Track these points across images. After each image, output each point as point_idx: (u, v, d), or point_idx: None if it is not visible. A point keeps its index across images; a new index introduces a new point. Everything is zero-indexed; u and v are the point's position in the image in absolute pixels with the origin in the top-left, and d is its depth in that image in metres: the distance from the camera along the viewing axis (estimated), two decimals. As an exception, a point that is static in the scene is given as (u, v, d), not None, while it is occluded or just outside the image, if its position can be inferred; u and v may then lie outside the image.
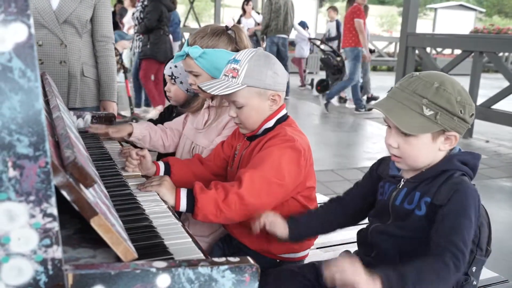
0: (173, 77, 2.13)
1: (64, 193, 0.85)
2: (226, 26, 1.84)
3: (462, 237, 1.19)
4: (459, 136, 1.31)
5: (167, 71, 2.15)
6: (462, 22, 15.62)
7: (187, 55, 1.81)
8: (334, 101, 8.78)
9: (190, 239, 1.23)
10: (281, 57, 8.48)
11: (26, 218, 0.76)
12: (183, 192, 1.49)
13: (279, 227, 1.48)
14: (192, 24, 17.31)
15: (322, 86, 9.34)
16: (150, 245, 1.12)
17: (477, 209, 1.26)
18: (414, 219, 1.31)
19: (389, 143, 1.34)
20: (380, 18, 33.83)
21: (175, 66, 2.12)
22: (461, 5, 16.74)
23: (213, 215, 1.44)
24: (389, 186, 1.41)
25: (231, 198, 1.43)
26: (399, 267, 1.18)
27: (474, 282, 1.39)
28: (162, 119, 2.37)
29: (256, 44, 8.91)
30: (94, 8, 2.56)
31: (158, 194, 1.52)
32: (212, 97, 1.90)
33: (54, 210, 0.77)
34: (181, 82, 2.12)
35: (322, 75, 10.57)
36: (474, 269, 1.37)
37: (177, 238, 1.23)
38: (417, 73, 1.32)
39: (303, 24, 10.11)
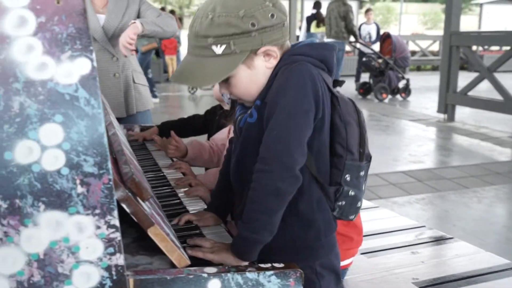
0: None
1: (124, 206, 0.94)
2: None
3: (276, 131, 1.05)
4: (282, 41, 1.12)
5: None
6: (510, 17, 15.11)
7: None
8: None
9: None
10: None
11: (93, 229, 0.86)
12: None
13: (210, 221, 1.35)
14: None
15: (365, 89, 9.30)
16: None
17: (314, 86, 1.08)
18: (249, 130, 1.15)
19: (222, 93, 1.19)
20: (424, 16, 33.10)
21: None
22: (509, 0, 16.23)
23: None
24: (240, 109, 1.25)
25: None
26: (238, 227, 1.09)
27: (352, 193, 1.19)
28: (205, 118, 2.44)
29: None
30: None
31: None
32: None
33: (116, 222, 0.87)
34: None
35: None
36: (348, 177, 1.18)
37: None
38: (198, 7, 1.13)
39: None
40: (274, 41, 1.10)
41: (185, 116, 2.52)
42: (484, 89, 7.78)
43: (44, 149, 0.81)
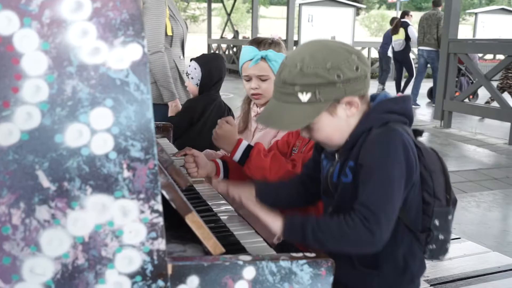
0: (187, 74, 2.69)
1: (164, 192, 0.95)
2: (273, 38, 1.98)
3: (375, 197, 1.11)
4: (363, 92, 1.19)
5: (187, 69, 2.76)
6: (505, 26, 15.25)
7: (262, 59, 1.92)
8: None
9: (261, 239, 1.31)
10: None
11: (137, 214, 0.87)
12: (242, 146, 1.68)
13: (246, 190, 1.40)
14: (229, 35, 17.58)
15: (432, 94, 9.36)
16: (228, 243, 1.21)
17: (409, 156, 1.15)
18: (345, 189, 1.21)
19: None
20: (418, 24, 33.21)
21: (189, 65, 2.68)
22: (502, 9, 16.36)
23: (258, 177, 1.60)
24: (326, 163, 1.32)
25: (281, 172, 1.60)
26: (309, 216, 1.17)
27: (441, 237, 1.26)
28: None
29: None
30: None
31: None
32: (262, 105, 2.00)
33: (160, 207, 0.88)
34: (192, 78, 2.65)
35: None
36: (437, 222, 1.24)
37: (249, 238, 1.31)
38: (286, 56, 1.22)
39: None
40: (356, 92, 1.17)
41: None
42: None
43: (94, 133, 0.83)
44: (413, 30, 9.25)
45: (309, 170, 1.44)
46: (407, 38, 9.28)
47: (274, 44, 1.94)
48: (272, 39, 1.96)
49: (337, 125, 1.20)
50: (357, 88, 1.17)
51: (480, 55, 10.37)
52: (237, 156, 1.67)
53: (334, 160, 1.27)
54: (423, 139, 1.31)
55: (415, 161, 1.17)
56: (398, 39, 9.38)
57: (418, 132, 1.29)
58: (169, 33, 3.02)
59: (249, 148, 1.67)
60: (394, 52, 9.47)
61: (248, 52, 1.95)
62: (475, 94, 9.16)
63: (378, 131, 1.17)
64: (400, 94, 8.85)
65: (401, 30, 9.33)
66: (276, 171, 1.59)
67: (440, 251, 1.29)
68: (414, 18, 10.61)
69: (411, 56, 9.64)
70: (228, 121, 1.75)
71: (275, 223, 1.18)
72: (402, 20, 9.48)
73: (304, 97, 1.13)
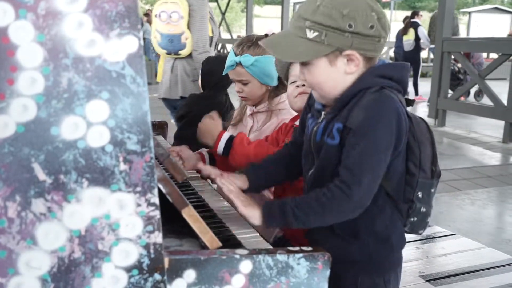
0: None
1: (160, 186, 0.95)
2: (266, 34, 1.95)
3: (359, 161, 1.11)
4: (370, 53, 1.17)
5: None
6: (498, 26, 15.34)
7: (238, 64, 1.91)
8: None
9: (258, 233, 1.31)
10: None
11: (133, 207, 0.87)
12: (224, 137, 1.64)
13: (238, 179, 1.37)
14: (224, 35, 17.57)
15: None
16: (224, 238, 1.21)
17: (401, 125, 1.14)
18: (330, 152, 1.19)
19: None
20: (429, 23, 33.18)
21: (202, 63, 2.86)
22: (496, 8, 16.48)
23: (243, 166, 1.55)
24: (312, 122, 1.30)
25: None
26: (285, 199, 1.17)
27: (423, 209, 1.25)
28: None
29: None
30: None
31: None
32: (256, 104, 1.99)
33: (156, 200, 0.88)
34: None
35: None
36: (420, 194, 1.23)
37: (245, 233, 1.31)
38: None
39: None
40: (363, 50, 1.15)
41: None
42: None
43: (90, 125, 0.82)
44: (423, 31, 9.24)
45: (296, 137, 1.43)
46: (417, 38, 9.28)
47: (254, 45, 1.88)
48: (252, 40, 1.92)
49: (331, 75, 1.18)
50: (365, 47, 1.14)
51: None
52: (220, 147, 1.63)
53: (319, 118, 1.25)
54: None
55: (405, 131, 1.16)
56: (408, 40, 9.39)
57: (409, 102, 1.28)
58: (210, 34, 3.23)
59: (231, 138, 1.65)
60: (404, 52, 9.48)
61: (229, 56, 1.95)
62: (480, 93, 9.21)
63: (372, 96, 1.14)
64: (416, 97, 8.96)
65: (411, 31, 9.34)
66: (261, 157, 1.57)
67: (420, 224, 1.28)
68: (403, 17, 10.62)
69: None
70: (211, 117, 1.73)
71: (254, 213, 1.18)
72: (412, 20, 9.47)
73: (311, 34, 1.13)
